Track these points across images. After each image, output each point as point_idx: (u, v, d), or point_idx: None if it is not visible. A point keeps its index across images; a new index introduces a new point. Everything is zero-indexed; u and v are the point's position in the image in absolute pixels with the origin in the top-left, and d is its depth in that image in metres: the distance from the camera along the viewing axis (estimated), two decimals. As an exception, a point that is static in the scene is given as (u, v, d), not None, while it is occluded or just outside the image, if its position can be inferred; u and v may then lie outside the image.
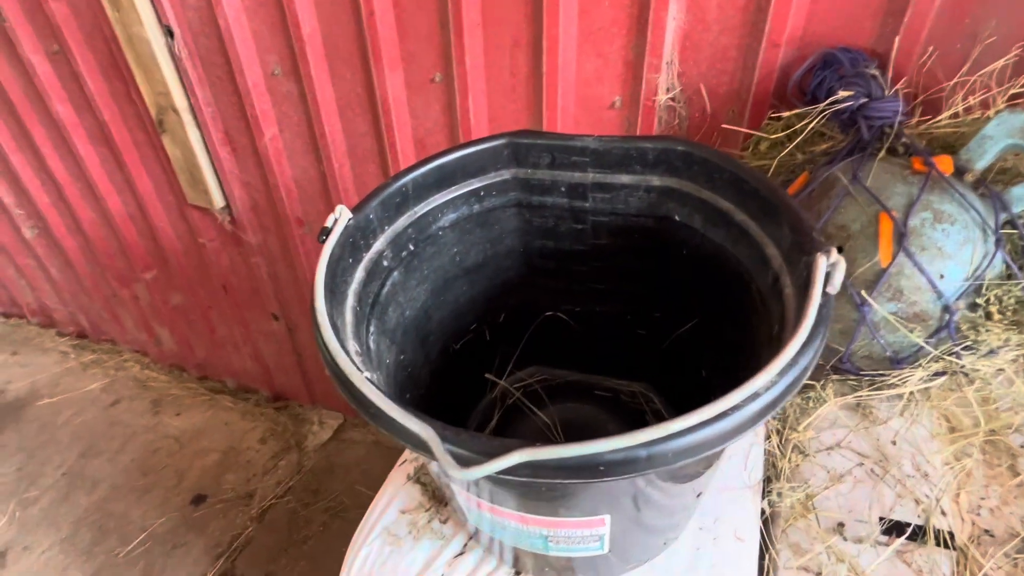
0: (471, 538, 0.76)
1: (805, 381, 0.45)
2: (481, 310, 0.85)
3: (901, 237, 0.76)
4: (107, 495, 2.04)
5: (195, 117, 1.58)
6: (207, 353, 2.37)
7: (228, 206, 1.75)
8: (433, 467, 0.65)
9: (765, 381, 0.41)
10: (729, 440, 0.41)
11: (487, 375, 0.91)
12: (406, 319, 0.72)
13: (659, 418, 0.87)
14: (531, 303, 0.88)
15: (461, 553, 0.76)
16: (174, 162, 1.70)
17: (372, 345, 0.62)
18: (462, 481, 0.47)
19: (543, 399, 0.91)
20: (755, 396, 0.41)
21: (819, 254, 0.50)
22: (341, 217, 0.61)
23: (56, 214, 2.18)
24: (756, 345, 0.61)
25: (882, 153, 0.85)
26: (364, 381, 0.45)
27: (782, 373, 0.42)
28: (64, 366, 2.59)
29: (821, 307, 0.46)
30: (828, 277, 0.48)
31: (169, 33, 1.42)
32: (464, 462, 0.40)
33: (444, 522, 0.79)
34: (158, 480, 2.08)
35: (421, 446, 0.41)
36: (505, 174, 0.76)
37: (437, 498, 0.82)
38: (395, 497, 0.83)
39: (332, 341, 0.48)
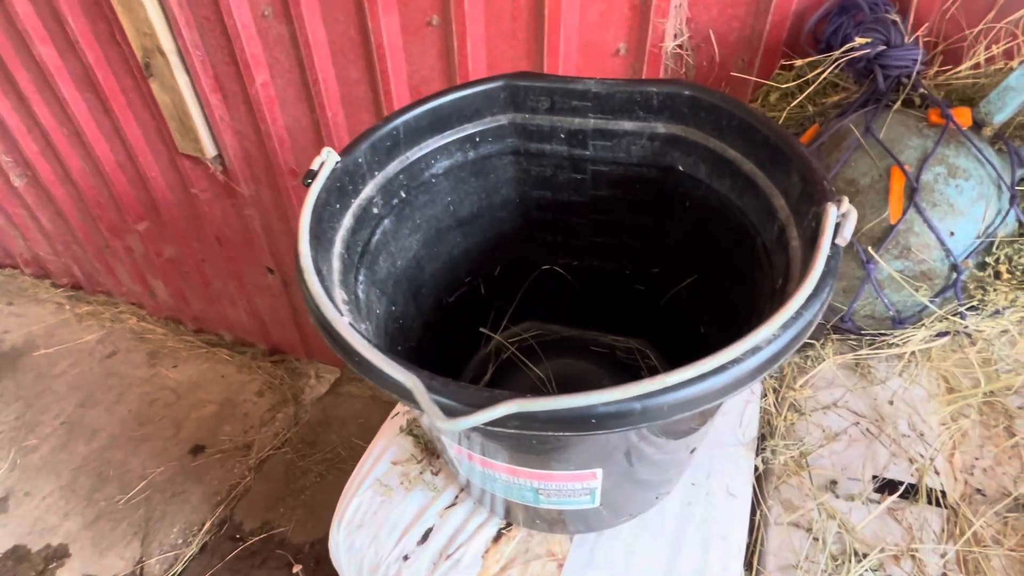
0: (462, 490, 0.76)
1: (807, 338, 0.43)
2: (475, 263, 0.83)
3: (912, 192, 0.73)
4: (106, 444, 2.07)
5: (183, 61, 1.52)
6: (203, 306, 2.35)
7: (220, 155, 1.71)
8: (424, 419, 0.64)
9: (767, 335, 0.39)
10: (726, 395, 0.39)
11: (481, 329, 0.90)
12: (397, 269, 0.70)
13: (654, 374, 0.86)
14: (527, 256, 0.86)
15: (453, 504, 0.76)
16: (163, 108, 1.64)
17: (361, 295, 0.60)
18: (449, 432, 0.46)
19: (538, 354, 0.90)
20: (756, 350, 0.39)
21: (829, 204, 0.47)
22: (328, 160, 0.58)
23: (44, 162, 2.13)
24: (758, 300, 0.59)
25: (897, 104, 0.82)
26: (348, 329, 0.43)
27: (785, 327, 0.40)
28: (59, 317, 2.58)
29: (829, 259, 0.44)
30: (838, 228, 0.46)
31: (152, -32, 1.35)
32: (451, 413, 0.39)
33: (436, 474, 0.79)
34: (156, 430, 2.10)
35: (406, 395, 0.40)
36: (502, 119, 0.72)
37: (429, 450, 0.82)
38: (387, 448, 0.83)
39: (315, 286, 0.46)
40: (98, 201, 2.14)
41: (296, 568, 1.70)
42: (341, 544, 0.76)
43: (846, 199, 0.47)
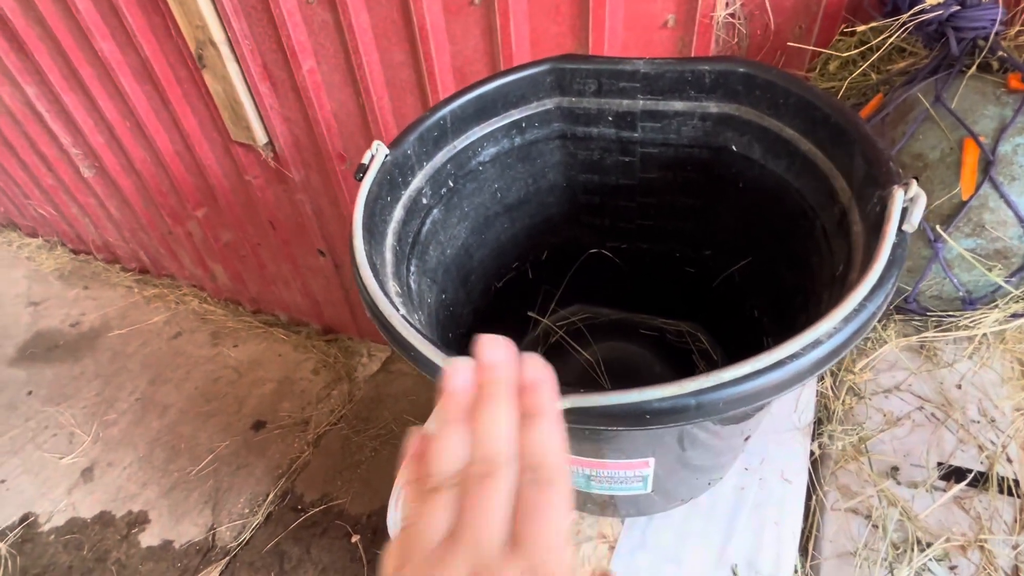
0: (514, 472, 0.77)
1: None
2: (523, 248, 0.83)
3: (988, 165, 0.69)
4: (176, 419, 2.20)
5: (233, 51, 1.55)
6: (259, 288, 2.45)
7: (271, 142, 1.75)
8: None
9: (828, 328, 0.38)
10: (783, 390, 0.38)
11: (529, 313, 0.90)
12: (447, 258, 0.71)
13: (706, 358, 0.85)
14: (575, 240, 0.85)
15: (504, 486, 0.77)
16: (216, 98, 1.69)
17: (413, 285, 0.61)
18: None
19: (587, 337, 0.90)
20: (816, 344, 0.38)
21: (895, 187, 0.45)
22: (378, 153, 0.59)
23: (110, 153, 2.24)
24: (816, 286, 0.57)
25: (972, 70, 0.76)
26: (404, 324, 0.44)
27: (847, 319, 0.39)
28: (129, 300, 2.74)
29: (895, 246, 0.42)
30: (905, 213, 0.44)
31: (201, -39, 1.38)
32: (505, 407, 0.39)
33: (488, 456, 0.81)
34: (220, 406, 2.21)
35: (462, 390, 0.40)
36: (548, 103, 0.71)
37: (481, 433, 0.83)
38: (440, 431, 0.85)
39: (371, 282, 0.47)
40: (160, 189, 2.24)
41: (355, 538, 1.78)
42: (398, 523, 0.79)
43: (914, 182, 0.44)
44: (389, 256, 0.57)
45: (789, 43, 0.95)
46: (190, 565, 1.81)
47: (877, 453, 0.77)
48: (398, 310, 0.46)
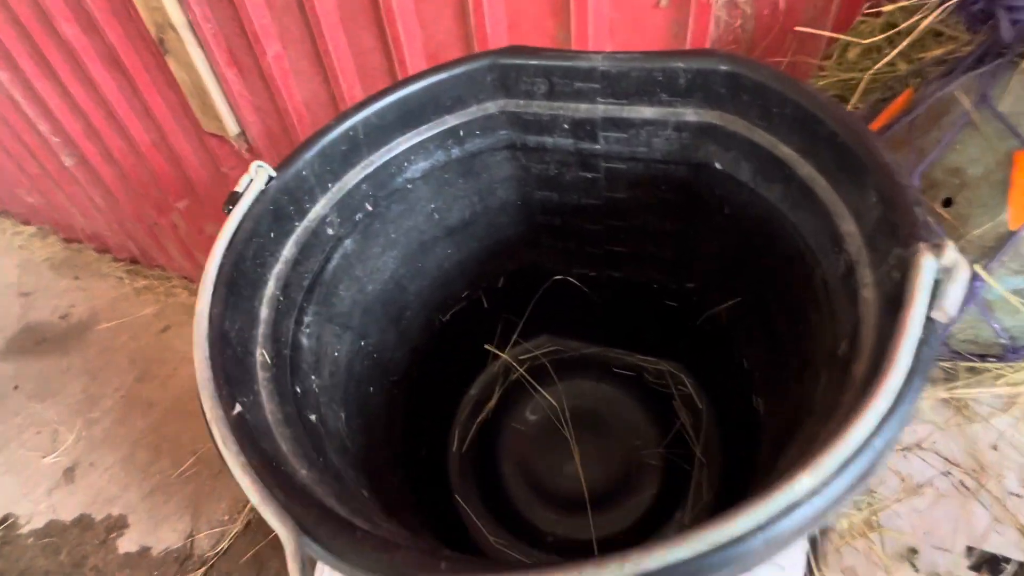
0: (455, 543, 0.66)
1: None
2: (473, 275, 0.71)
3: (1045, 188, 0.54)
4: (160, 418, 2.13)
5: (195, 35, 1.43)
6: (247, 282, 2.36)
7: (243, 133, 1.64)
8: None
9: (811, 484, 0.25)
10: (744, 571, 0.26)
11: (487, 347, 0.78)
12: (367, 296, 0.59)
13: (689, 406, 0.72)
14: (536, 265, 0.73)
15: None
16: (183, 86, 1.58)
17: (306, 341, 0.49)
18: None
19: (552, 376, 0.78)
20: (793, 507, 0.25)
21: (923, 247, 0.31)
22: (257, 177, 0.47)
23: (88, 142, 2.15)
24: (813, 355, 0.44)
25: (1027, 62, 0.61)
26: (228, 437, 0.32)
27: (841, 470, 0.26)
28: (119, 291, 2.68)
29: (921, 343, 0.29)
30: (936, 291, 0.30)
31: (151, -64, 1.25)
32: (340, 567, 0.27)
33: (429, 519, 0.70)
34: (205, 406, 2.14)
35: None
36: (491, 107, 0.58)
37: (423, 490, 0.72)
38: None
39: (203, 363, 0.35)
40: (140, 180, 2.14)
41: (333, 552, 1.70)
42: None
43: (951, 244, 0.30)
44: (265, 312, 0.45)
45: (797, 28, 0.80)
46: (166, 574, 1.75)
47: (891, 529, 0.64)
48: (234, 403, 0.34)
